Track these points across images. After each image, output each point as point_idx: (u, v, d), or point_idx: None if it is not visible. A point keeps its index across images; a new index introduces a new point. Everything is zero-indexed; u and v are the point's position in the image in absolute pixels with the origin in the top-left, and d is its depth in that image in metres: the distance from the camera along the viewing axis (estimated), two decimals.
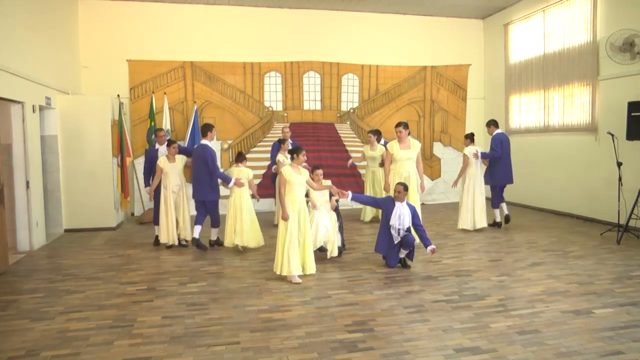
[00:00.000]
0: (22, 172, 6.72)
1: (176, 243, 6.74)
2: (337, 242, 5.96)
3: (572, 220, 8.42)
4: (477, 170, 7.59)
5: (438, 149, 10.90)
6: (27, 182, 6.74)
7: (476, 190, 7.53)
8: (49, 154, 7.85)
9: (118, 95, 8.91)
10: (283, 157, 7.71)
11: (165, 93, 9.44)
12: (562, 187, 8.89)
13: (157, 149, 7.31)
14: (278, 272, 5.16)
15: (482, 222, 7.56)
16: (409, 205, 5.67)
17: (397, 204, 5.60)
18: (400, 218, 5.55)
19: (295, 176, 5.18)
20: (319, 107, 10.24)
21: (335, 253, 5.90)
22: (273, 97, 10.07)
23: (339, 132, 10.19)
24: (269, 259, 6.07)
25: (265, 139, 9.91)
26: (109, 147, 8.26)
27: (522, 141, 9.95)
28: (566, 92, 8.73)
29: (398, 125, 6.76)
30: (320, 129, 10.04)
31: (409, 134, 6.77)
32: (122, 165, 8.55)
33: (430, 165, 10.80)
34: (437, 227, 8.04)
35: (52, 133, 7.92)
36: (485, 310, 4.22)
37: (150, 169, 7.04)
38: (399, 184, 5.71)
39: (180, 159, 6.78)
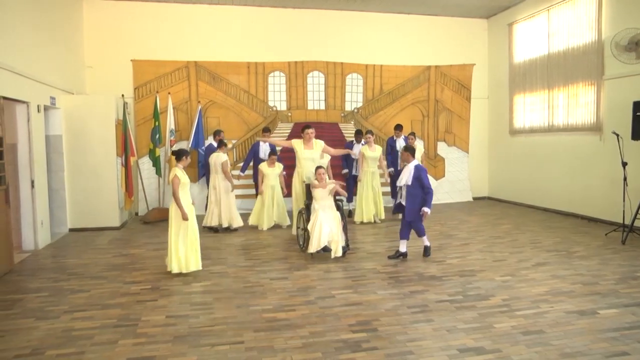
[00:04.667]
0: (27, 171, 6.76)
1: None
2: (341, 242, 5.96)
3: (577, 221, 8.39)
4: None
5: (442, 148, 10.88)
6: (32, 182, 6.78)
7: None
8: (54, 153, 7.90)
9: (122, 95, 8.95)
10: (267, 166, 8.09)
11: (169, 93, 9.47)
12: (566, 187, 8.85)
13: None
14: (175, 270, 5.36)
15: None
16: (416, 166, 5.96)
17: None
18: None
19: (185, 177, 5.45)
20: (323, 106, 10.25)
21: (339, 253, 5.90)
22: (277, 96, 10.07)
23: (343, 131, 10.18)
24: (273, 259, 6.11)
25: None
26: (113, 146, 8.29)
27: (527, 141, 9.93)
28: (571, 91, 8.69)
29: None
30: (324, 128, 10.03)
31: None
32: (126, 165, 8.58)
33: (434, 165, 10.78)
34: (440, 227, 8.02)
35: (56, 133, 7.96)
36: (489, 310, 4.21)
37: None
38: None
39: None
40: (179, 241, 5.36)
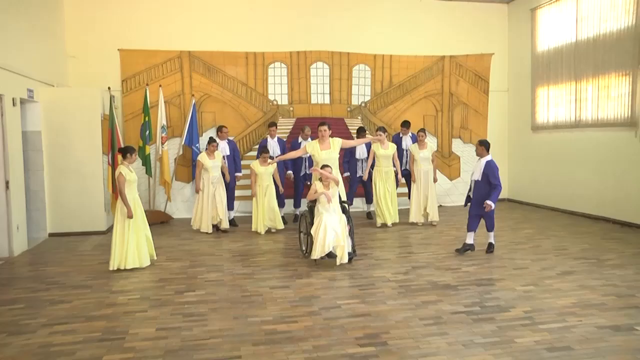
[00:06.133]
0: (1, 171, 6.70)
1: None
2: (347, 247, 5.93)
3: (608, 225, 8.30)
4: None
5: (457, 146, 10.82)
6: (7, 183, 6.74)
7: None
8: (32, 151, 7.86)
9: (109, 88, 8.90)
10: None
11: (160, 85, 9.43)
12: (595, 189, 8.76)
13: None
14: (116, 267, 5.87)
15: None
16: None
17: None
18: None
19: (132, 175, 6.11)
20: (327, 100, 10.21)
21: (345, 259, 5.87)
22: (278, 89, 10.05)
23: (349, 127, 10.14)
24: (273, 266, 6.10)
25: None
26: (99, 143, 8.27)
27: (550, 138, 9.85)
28: (601, 83, 8.61)
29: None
30: (330, 124, 9.98)
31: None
32: (113, 164, 8.53)
33: (448, 164, 10.72)
34: (456, 232, 7.98)
35: (35, 129, 7.94)
36: (509, 323, 4.16)
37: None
38: None
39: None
40: (123, 238, 5.96)
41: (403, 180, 8.78)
